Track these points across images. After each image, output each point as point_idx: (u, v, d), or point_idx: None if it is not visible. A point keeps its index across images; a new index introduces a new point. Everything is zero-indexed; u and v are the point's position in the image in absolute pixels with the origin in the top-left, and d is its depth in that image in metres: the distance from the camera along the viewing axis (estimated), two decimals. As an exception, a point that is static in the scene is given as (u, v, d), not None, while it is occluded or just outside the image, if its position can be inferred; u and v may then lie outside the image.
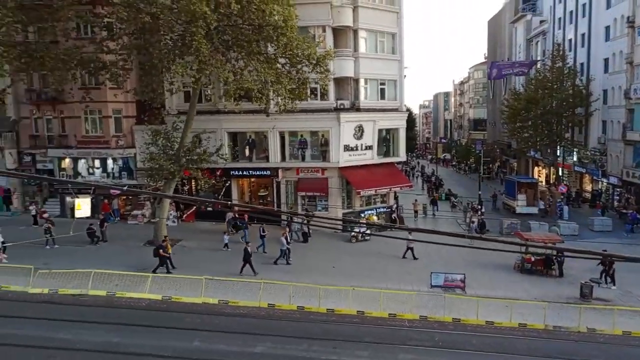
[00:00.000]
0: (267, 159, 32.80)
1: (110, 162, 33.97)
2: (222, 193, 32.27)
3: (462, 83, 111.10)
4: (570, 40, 48.57)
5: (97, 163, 34.05)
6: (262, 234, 26.73)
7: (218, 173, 31.17)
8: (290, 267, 24.46)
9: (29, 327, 16.75)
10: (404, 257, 26.51)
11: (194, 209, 33.46)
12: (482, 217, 35.33)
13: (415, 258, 26.28)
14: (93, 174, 33.96)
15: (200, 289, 19.97)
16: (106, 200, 33.38)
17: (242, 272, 22.49)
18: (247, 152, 33.48)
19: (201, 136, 28.91)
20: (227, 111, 30.62)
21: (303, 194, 32.73)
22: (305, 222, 25.97)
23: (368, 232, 28.31)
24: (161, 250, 22.59)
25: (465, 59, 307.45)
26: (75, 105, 32.34)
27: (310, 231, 29.43)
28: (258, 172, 33.36)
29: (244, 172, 33.39)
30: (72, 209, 31.35)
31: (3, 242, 23.62)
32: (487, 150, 67.23)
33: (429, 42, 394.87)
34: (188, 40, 22.86)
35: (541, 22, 57.00)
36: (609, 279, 22.77)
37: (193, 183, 32.89)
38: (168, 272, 22.44)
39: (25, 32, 28.65)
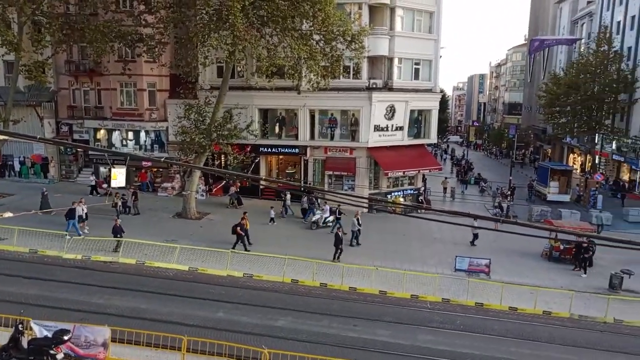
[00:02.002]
0: (296, 136, 32.89)
1: (143, 134, 34.74)
2: (250, 169, 32.64)
3: (498, 65, 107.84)
4: (618, 22, 46.24)
5: (130, 135, 34.91)
6: (338, 215, 26.31)
7: (247, 149, 31.48)
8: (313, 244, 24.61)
9: (63, 290, 17.60)
10: (472, 243, 25.84)
11: (222, 183, 34.04)
12: (510, 202, 34.75)
13: (473, 244, 25.81)
14: (126, 145, 34.88)
15: (225, 262, 20.44)
16: (144, 170, 34.38)
17: (335, 259, 21.88)
18: (276, 129, 33.65)
19: (232, 112, 29.17)
20: (258, 87, 30.69)
21: (330, 173, 32.78)
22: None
23: (331, 218, 27.19)
24: (238, 228, 22.52)
25: (503, 41, 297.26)
26: (112, 77, 33.12)
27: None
28: (287, 150, 33.53)
29: (273, 149, 33.64)
30: (107, 179, 32.38)
31: (86, 214, 24.28)
32: (521, 136, 65.50)
33: (466, 22, 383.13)
34: (224, 14, 22.93)
35: (588, 2, 54.41)
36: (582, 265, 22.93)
37: (223, 158, 33.38)
38: (245, 249, 22.36)
39: (67, 4, 29.33)
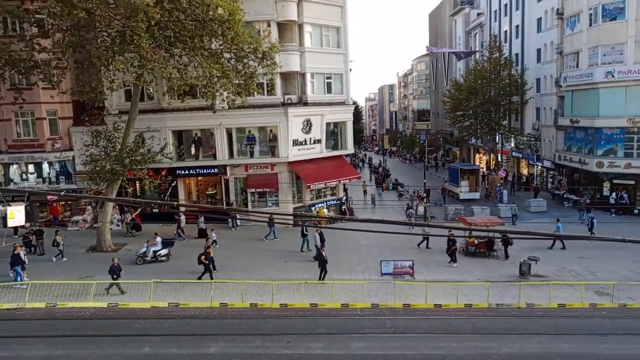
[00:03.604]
0: (214, 156, 32.25)
1: (45, 166, 32.21)
2: (168, 193, 31.43)
3: (405, 75, 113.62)
4: (505, 31, 50.84)
5: (31, 168, 32.19)
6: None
7: (163, 173, 30.33)
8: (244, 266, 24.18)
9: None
10: (427, 247, 26.83)
11: (138, 211, 32.39)
12: (427, 203, 36.66)
13: (428, 247, 26.78)
14: (27, 179, 32.12)
15: (148, 294, 19.41)
16: (54, 204, 31.97)
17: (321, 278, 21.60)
18: (193, 150, 32.79)
19: (144, 135, 28.01)
20: (171, 109, 29.85)
21: (253, 190, 32.48)
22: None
23: (165, 252, 24.61)
24: (203, 257, 21.43)
25: (408, 52, 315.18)
26: (4, 107, 30.40)
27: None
28: (205, 171, 32.75)
29: (191, 171, 32.68)
30: (4, 218, 29.51)
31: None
32: (431, 140, 69.39)
33: (374, 36, 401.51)
34: (128, 36, 21.99)
35: (478, 14, 59.33)
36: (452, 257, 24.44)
37: (137, 184, 31.87)
38: (211, 277, 21.21)
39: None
